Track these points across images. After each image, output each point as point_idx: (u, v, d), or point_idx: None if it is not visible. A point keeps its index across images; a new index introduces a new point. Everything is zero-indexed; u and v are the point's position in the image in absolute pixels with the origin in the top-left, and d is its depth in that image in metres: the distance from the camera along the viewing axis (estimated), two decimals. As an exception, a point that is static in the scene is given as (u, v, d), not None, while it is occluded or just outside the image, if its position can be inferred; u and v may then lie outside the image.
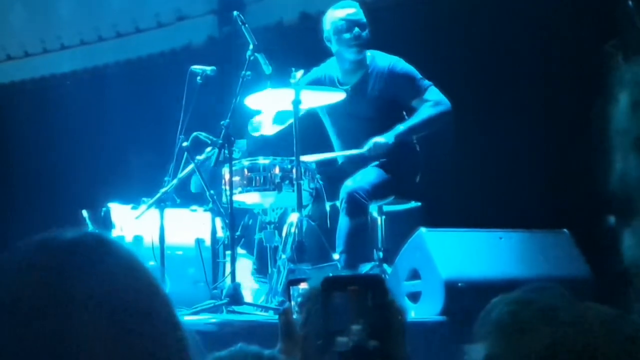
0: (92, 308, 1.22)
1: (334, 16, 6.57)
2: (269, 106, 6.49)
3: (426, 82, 6.52)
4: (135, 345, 1.23)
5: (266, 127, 6.61)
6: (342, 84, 6.60)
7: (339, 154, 6.71)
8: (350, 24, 6.50)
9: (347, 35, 6.50)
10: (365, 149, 6.42)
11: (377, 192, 6.32)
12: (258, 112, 6.59)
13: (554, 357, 1.34)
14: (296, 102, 6.09)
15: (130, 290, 1.26)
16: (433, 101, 6.49)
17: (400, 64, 6.57)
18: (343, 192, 6.25)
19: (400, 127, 6.43)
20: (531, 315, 1.41)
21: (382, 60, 6.60)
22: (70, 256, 1.27)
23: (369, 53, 6.62)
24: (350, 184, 6.27)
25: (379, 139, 6.38)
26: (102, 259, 1.28)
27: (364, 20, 6.54)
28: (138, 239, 6.52)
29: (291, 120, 6.24)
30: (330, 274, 2.28)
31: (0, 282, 1.25)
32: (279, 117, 6.59)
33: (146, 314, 1.26)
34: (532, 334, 1.37)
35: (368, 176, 6.33)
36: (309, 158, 6.37)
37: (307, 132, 6.35)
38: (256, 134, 6.57)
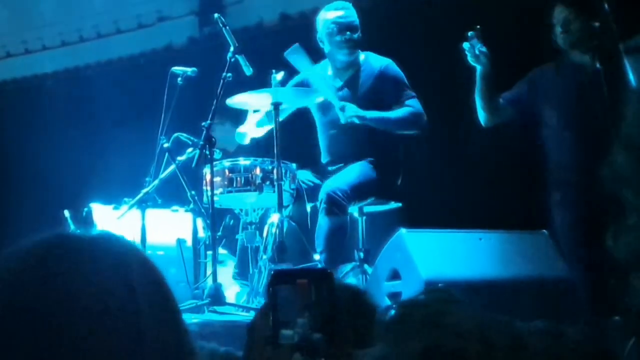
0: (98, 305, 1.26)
1: (325, 18, 6.59)
2: (251, 107, 6.52)
3: (411, 92, 6.59)
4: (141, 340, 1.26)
5: (252, 131, 6.62)
6: (334, 80, 6.63)
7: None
8: (342, 26, 6.53)
9: (338, 38, 6.54)
10: (342, 106, 6.44)
11: (356, 193, 6.34)
12: (240, 115, 6.60)
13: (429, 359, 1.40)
14: (276, 104, 6.12)
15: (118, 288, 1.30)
16: (414, 109, 6.54)
17: (392, 67, 6.62)
18: (322, 193, 6.28)
19: (376, 112, 6.46)
20: (418, 319, 1.46)
21: (374, 61, 6.65)
22: (83, 254, 1.30)
23: (362, 54, 6.66)
24: (329, 184, 6.30)
25: (354, 111, 6.42)
26: (117, 259, 1.31)
27: (356, 22, 6.57)
28: (119, 239, 6.53)
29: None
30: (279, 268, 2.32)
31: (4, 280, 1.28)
32: (265, 118, 6.60)
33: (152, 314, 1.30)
34: (415, 337, 1.42)
35: (347, 177, 6.36)
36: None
37: (288, 135, 6.40)
38: (245, 141, 6.58)
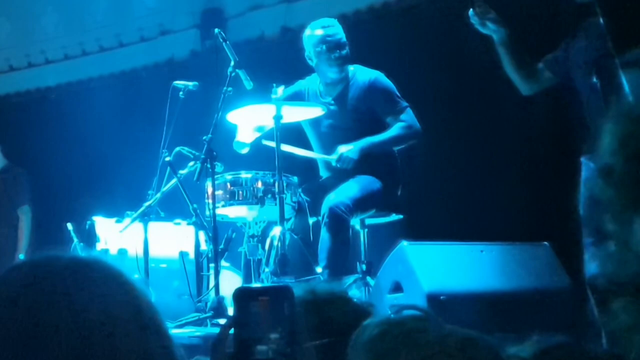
0: (82, 325, 1.26)
1: (313, 37, 6.59)
2: (250, 121, 6.51)
3: (403, 102, 6.58)
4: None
5: (245, 136, 6.60)
6: (324, 96, 6.65)
7: (311, 154, 6.71)
8: (331, 45, 6.53)
9: (327, 56, 6.54)
10: (334, 157, 6.46)
11: (359, 206, 6.34)
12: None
13: None
14: (277, 118, 6.12)
15: (123, 308, 1.31)
16: (406, 123, 6.55)
17: (381, 80, 6.62)
18: (325, 207, 6.27)
19: (368, 141, 6.47)
20: (397, 337, 1.47)
21: (363, 74, 6.65)
22: (64, 279, 1.31)
23: (351, 67, 6.67)
24: (332, 198, 6.30)
25: (346, 150, 6.42)
26: (95, 281, 1.32)
27: (344, 39, 6.57)
28: (122, 252, 6.56)
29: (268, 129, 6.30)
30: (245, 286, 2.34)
31: None
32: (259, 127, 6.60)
33: (138, 329, 1.30)
34: (395, 355, 1.43)
35: (349, 190, 6.36)
36: (287, 148, 6.37)
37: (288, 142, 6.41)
38: (243, 151, 6.58)
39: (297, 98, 6.66)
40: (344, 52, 6.55)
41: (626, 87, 4.96)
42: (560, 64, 5.67)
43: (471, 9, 5.60)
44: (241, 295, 1.81)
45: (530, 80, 5.75)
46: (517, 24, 5.84)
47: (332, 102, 6.61)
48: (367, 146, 6.47)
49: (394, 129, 6.55)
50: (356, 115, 6.59)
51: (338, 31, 6.60)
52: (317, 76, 6.74)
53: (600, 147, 1.49)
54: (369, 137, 6.50)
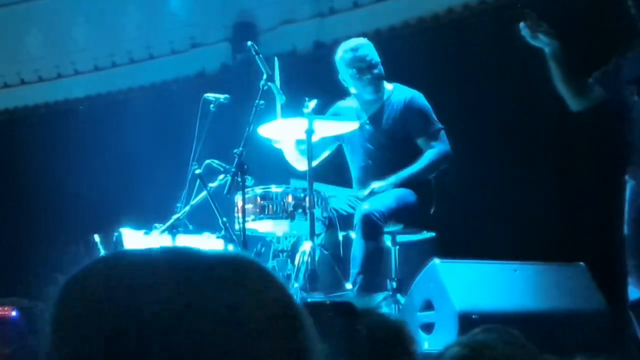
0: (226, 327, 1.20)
1: (345, 59, 6.54)
2: (284, 136, 6.49)
3: (438, 125, 6.53)
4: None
5: (301, 163, 6.59)
6: (361, 115, 6.61)
7: (341, 190, 6.68)
8: (362, 67, 6.48)
9: (361, 77, 6.50)
10: (365, 193, 6.42)
11: (393, 215, 6.28)
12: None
13: None
14: (309, 132, 6.10)
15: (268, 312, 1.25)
16: (437, 149, 6.49)
17: (418, 99, 6.57)
18: (358, 215, 6.22)
19: (400, 176, 6.41)
20: None
21: (401, 93, 6.60)
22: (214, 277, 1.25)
23: (389, 85, 6.62)
24: (365, 206, 6.25)
25: (378, 187, 6.38)
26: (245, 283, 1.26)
27: (376, 58, 6.52)
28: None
29: (326, 153, 6.46)
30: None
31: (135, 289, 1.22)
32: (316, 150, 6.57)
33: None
34: None
35: (384, 200, 6.31)
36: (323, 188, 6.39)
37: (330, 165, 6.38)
38: (277, 145, 6.57)
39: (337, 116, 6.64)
40: (376, 71, 6.51)
41: None
42: (610, 80, 5.55)
43: (522, 22, 5.49)
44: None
45: (581, 96, 5.64)
46: (569, 38, 5.73)
47: (368, 121, 6.57)
48: (399, 181, 6.42)
49: (426, 158, 6.48)
50: (391, 134, 6.55)
51: (369, 52, 6.54)
52: (354, 96, 6.69)
53: None
54: (402, 172, 6.43)
